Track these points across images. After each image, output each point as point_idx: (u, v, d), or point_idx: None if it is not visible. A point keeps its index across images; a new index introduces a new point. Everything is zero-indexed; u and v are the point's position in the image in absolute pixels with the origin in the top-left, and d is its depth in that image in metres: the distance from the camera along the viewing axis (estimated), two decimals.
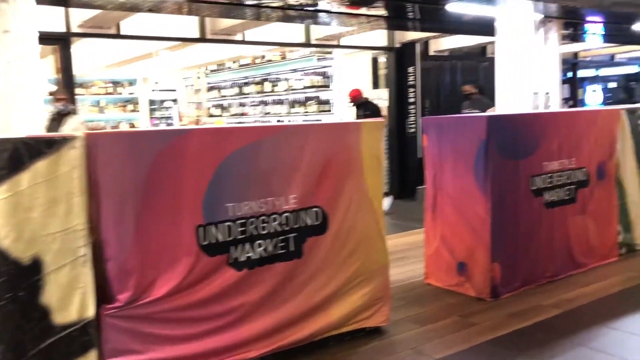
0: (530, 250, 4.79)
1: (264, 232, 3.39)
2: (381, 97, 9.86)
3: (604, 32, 8.98)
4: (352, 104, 8.78)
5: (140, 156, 2.98)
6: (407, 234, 6.94)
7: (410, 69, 9.81)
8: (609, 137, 5.41)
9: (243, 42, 8.62)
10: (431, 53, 10.92)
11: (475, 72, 11.17)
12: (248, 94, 12.59)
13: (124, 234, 2.94)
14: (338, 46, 9.69)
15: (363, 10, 6.97)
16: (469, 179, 4.61)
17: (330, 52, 10.34)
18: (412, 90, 9.84)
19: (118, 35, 7.56)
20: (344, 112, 10.19)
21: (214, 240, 3.21)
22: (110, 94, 13.02)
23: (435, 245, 4.98)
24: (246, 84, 12.64)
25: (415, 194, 9.53)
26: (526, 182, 4.74)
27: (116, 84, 13.10)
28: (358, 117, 8.30)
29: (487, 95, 7.83)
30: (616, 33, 9.39)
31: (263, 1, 6.68)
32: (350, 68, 10.42)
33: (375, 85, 10.23)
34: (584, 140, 5.17)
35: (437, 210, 4.95)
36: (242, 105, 12.85)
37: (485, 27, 6.96)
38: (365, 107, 8.39)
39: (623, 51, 14.75)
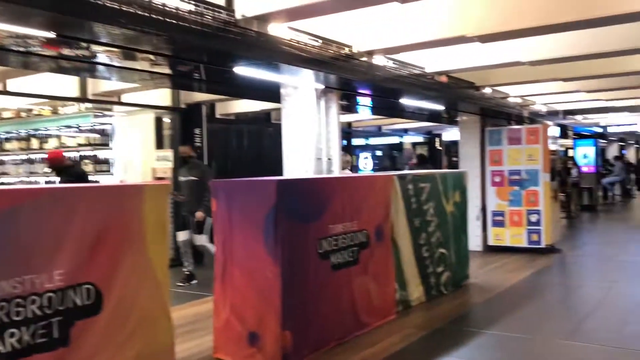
0: (320, 315, 4.78)
1: (19, 318, 2.78)
2: (166, 158, 9.45)
3: (374, 105, 9.89)
4: (51, 169, 7.61)
5: None
6: (196, 303, 6.52)
7: (197, 131, 9.61)
8: (384, 200, 5.78)
9: (4, 92, 7.58)
10: (218, 116, 10.90)
11: (261, 136, 11.42)
12: (9, 151, 11.11)
13: None
14: (118, 103, 9.10)
15: (146, 66, 6.61)
16: (258, 244, 4.47)
17: (110, 109, 9.67)
18: (198, 152, 9.61)
19: None
20: (127, 173, 9.52)
21: None
22: None
23: (225, 316, 4.70)
24: (8, 139, 11.16)
25: (204, 258, 9.15)
26: (314, 245, 4.77)
27: None
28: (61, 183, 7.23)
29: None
30: (384, 106, 10.43)
31: (32, 48, 5.93)
32: (132, 126, 9.84)
33: (160, 145, 9.78)
34: (363, 204, 5.44)
35: (227, 278, 4.70)
36: (1, 163, 11.27)
37: (271, 93, 7.12)
38: (68, 173, 7.33)
39: (388, 123, 16.51)
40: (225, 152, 10.81)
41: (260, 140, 11.33)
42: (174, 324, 3.63)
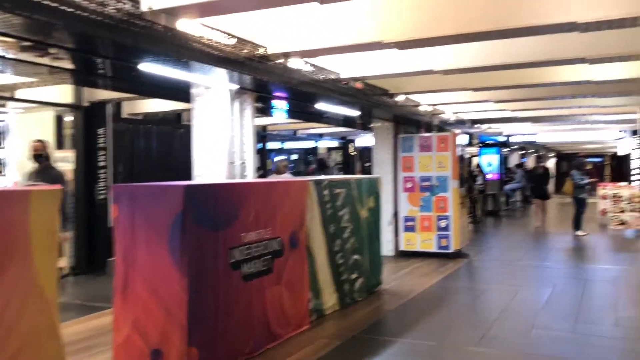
0: (230, 328, 4.53)
1: None
2: (66, 160, 8.79)
3: (289, 109, 9.73)
4: None
5: None
6: (95, 316, 6.05)
7: (101, 131, 9.02)
8: (300, 206, 5.62)
9: None
10: (125, 115, 10.32)
11: (171, 138, 10.94)
12: None
13: None
14: (10, 99, 8.37)
15: (45, 60, 6.08)
16: (163, 254, 4.17)
17: (3, 105, 8.88)
18: (102, 153, 9.03)
19: None
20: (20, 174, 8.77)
21: None
22: None
23: (125, 331, 4.35)
24: None
25: (106, 267, 8.60)
26: (225, 254, 4.51)
27: None
28: None
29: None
30: (300, 110, 10.30)
31: None
32: (29, 125, 9.09)
33: (60, 145, 9.10)
34: (278, 210, 5.25)
35: (128, 290, 4.35)
36: None
37: (181, 92, 6.78)
38: None
39: (303, 127, 16.44)
40: (132, 154, 10.24)
41: (171, 143, 10.84)
42: (64, 344, 3.26)
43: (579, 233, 12.57)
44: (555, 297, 7.09)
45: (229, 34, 5.18)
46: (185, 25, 4.62)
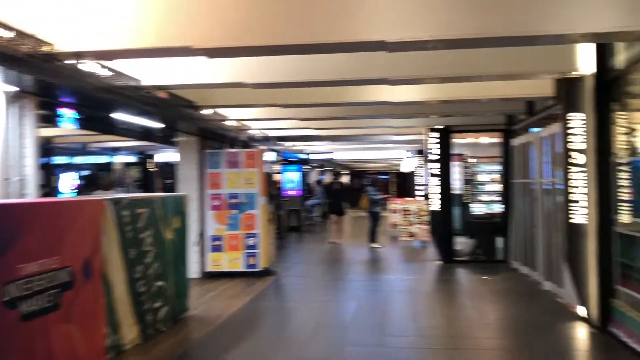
0: None
1: None
2: None
3: (81, 118, 8.71)
4: None
5: None
6: None
7: None
8: (94, 229, 4.90)
9: None
10: None
11: None
12: None
13: None
14: None
15: None
16: None
17: None
18: None
19: None
20: None
21: None
22: None
23: None
24: None
25: None
26: None
27: None
28: None
29: None
30: (93, 120, 9.29)
31: None
32: None
33: None
34: (68, 235, 4.49)
35: None
36: None
37: None
38: None
39: (97, 140, 15.02)
40: None
41: None
42: None
43: (375, 245, 13.34)
44: (361, 311, 7.26)
45: (4, 25, 4.31)
46: None
